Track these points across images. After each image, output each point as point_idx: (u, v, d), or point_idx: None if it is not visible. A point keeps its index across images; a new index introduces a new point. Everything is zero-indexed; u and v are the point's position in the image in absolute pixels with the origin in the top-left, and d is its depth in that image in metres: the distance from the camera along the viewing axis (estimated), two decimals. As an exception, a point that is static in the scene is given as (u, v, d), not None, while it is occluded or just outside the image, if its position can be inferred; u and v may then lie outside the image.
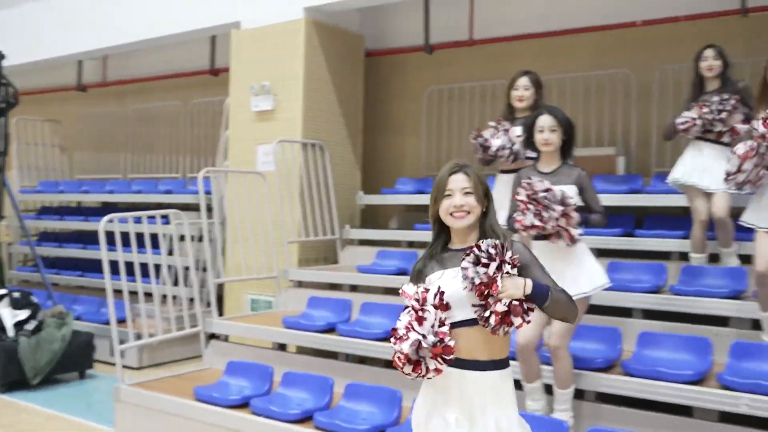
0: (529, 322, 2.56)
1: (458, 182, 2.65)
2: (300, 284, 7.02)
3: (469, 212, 2.64)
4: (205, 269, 7.52)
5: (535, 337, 4.14)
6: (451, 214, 2.65)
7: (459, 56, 8.36)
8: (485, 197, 2.69)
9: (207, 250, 6.48)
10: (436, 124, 8.56)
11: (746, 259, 5.22)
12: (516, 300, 2.53)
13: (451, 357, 2.53)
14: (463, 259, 2.56)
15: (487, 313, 2.53)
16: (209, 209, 7.62)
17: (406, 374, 2.59)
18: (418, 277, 2.71)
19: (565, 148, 4.18)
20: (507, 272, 2.54)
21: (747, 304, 4.77)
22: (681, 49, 6.88)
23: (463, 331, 2.58)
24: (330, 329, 5.68)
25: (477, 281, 2.52)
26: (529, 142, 4.27)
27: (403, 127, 8.82)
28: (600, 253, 5.56)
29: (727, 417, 4.06)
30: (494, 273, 2.52)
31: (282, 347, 5.96)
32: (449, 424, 2.58)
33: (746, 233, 4.78)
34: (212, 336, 6.34)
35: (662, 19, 7.11)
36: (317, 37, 7.72)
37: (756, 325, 4.65)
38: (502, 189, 5.06)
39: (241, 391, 5.12)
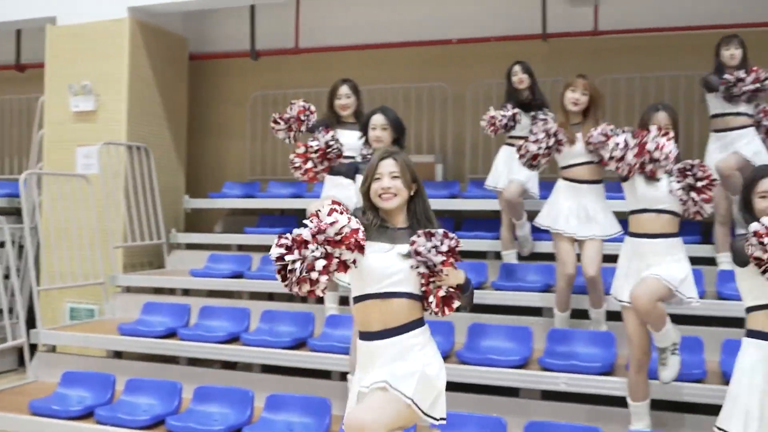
0: (457, 308, 2.88)
1: (387, 167, 2.92)
2: (128, 290, 6.85)
3: (396, 194, 2.91)
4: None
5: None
6: (379, 196, 2.91)
7: (284, 63, 8.54)
8: (413, 182, 2.95)
9: (30, 257, 6.15)
10: (261, 129, 8.68)
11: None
12: (452, 288, 2.87)
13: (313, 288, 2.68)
14: (414, 242, 2.82)
15: (430, 298, 2.86)
16: (18, 213, 7.20)
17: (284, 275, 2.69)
18: (365, 232, 2.82)
19: (396, 143, 4.43)
20: (451, 263, 2.83)
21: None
22: (491, 66, 7.60)
23: (395, 300, 2.85)
24: (170, 334, 5.65)
25: (426, 266, 2.81)
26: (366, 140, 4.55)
27: (228, 131, 8.84)
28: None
29: (548, 395, 4.64)
30: (442, 262, 2.81)
31: (118, 355, 5.82)
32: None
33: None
34: (33, 347, 6.04)
35: (475, 39, 7.78)
36: (141, 37, 7.56)
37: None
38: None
39: (82, 401, 4.97)
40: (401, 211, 2.96)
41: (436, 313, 2.89)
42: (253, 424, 4.53)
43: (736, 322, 4.95)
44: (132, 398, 4.93)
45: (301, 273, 2.64)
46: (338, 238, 2.70)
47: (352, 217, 2.77)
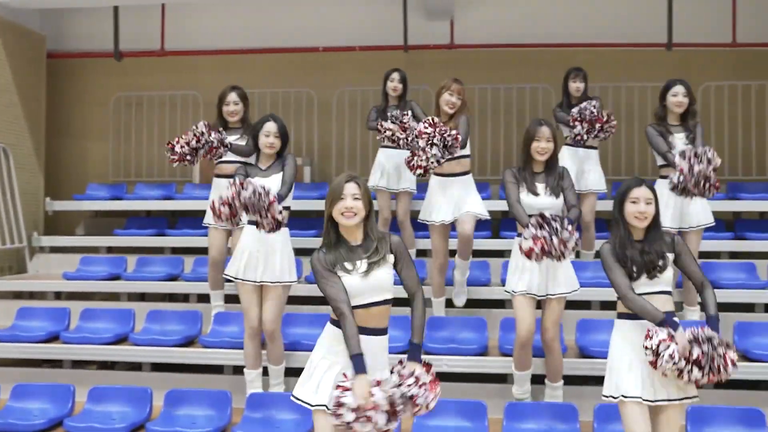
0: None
1: (351, 189, 3.25)
2: (-8, 296, 6.61)
3: (356, 214, 3.24)
4: None
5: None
6: (342, 214, 3.23)
7: (149, 65, 8.51)
8: (368, 204, 3.30)
9: None
10: (124, 130, 8.59)
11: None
12: None
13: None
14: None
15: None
16: None
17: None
18: (332, 265, 3.22)
19: (281, 150, 4.87)
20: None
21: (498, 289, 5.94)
22: (356, 74, 8.06)
23: (372, 309, 3.22)
24: (52, 338, 5.59)
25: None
26: (255, 144, 4.85)
27: (90, 132, 8.68)
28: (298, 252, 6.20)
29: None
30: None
31: (-8, 362, 5.66)
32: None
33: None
34: None
35: (341, 48, 8.18)
36: (-1, 34, 7.30)
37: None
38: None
39: (-34, 411, 4.84)
40: (359, 227, 3.30)
41: None
42: (155, 420, 4.64)
43: (587, 305, 5.77)
44: (21, 404, 4.86)
45: None
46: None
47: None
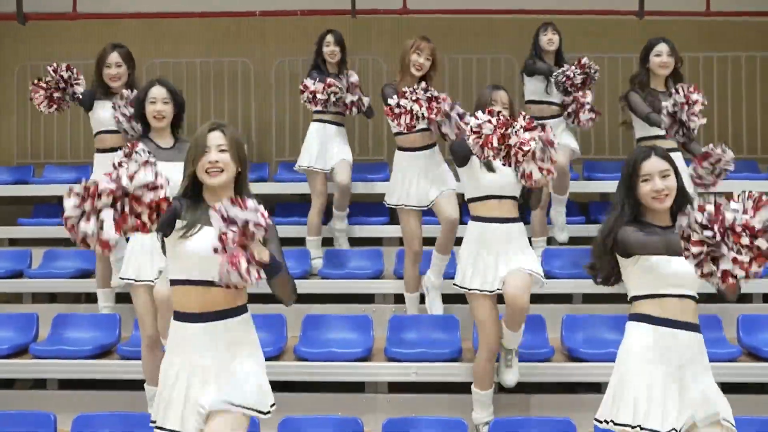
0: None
1: (215, 139, 2.70)
2: None
3: (223, 170, 2.67)
4: None
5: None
6: (206, 171, 2.67)
7: (59, 30, 7.48)
8: (240, 160, 2.71)
9: None
10: (31, 105, 7.49)
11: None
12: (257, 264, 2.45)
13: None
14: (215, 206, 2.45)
15: (233, 271, 2.41)
16: None
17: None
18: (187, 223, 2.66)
19: (176, 123, 4.08)
20: (256, 237, 2.44)
21: (389, 282, 5.22)
22: (298, 42, 7.20)
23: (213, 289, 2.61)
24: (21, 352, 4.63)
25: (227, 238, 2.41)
26: (140, 115, 4.06)
27: (-11, 106, 7.59)
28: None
29: (397, 387, 4.36)
30: (244, 223, 2.41)
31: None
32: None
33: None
34: None
35: (281, 12, 7.29)
36: None
37: (399, 298, 5.08)
38: None
39: None
40: (227, 190, 2.70)
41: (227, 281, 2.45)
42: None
43: (566, 298, 5.12)
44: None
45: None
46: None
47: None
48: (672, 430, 2.70)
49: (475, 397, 3.99)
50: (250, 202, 2.42)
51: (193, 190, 2.75)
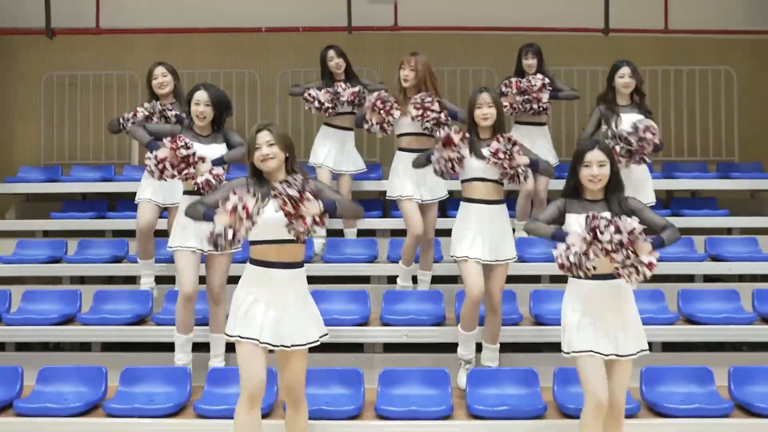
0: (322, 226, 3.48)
1: (263, 137, 3.60)
2: None
3: (273, 158, 3.58)
4: None
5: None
6: (262, 161, 3.58)
7: (83, 43, 8.25)
8: (286, 147, 3.63)
9: None
10: (57, 111, 8.28)
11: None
12: (317, 216, 3.44)
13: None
14: (275, 188, 3.46)
15: (295, 227, 3.43)
16: None
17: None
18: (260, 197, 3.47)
19: (218, 120, 4.79)
20: (308, 198, 3.43)
21: (383, 266, 6.00)
22: (300, 55, 8.00)
23: (279, 245, 3.55)
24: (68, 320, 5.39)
25: (286, 202, 3.40)
26: (187, 112, 4.79)
27: (19, 113, 8.33)
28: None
29: (390, 348, 5.15)
30: (298, 196, 3.41)
31: None
32: (258, 300, 3.58)
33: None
34: None
35: (284, 28, 8.11)
36: None
37: (392, 279, 5.85)
38: None
39: None
40: (281, 170, 3.64)
41: (303, 234, 3.45)
42: (111, 399, 4.51)
43: (536, 278, 5.91)
44: (-35, 388, 4.63)
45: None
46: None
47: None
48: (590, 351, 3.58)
49: (461, 338, 4.79)
50: (296, 183, 3.42)
51: (255, 173, 3.65)
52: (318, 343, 3.74)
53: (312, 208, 3.41)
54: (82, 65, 8.26)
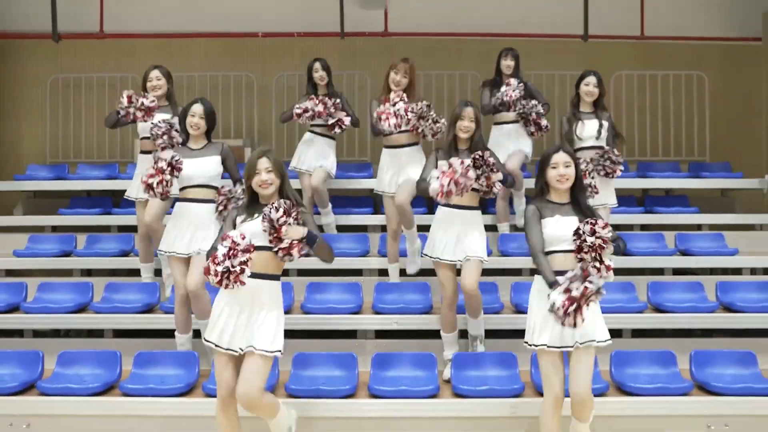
0: (303, 255, 3.87)
1: (263, 164, 3.94)
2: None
3: (271, 184, 3.94)
4: None
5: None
6: (260, 186, 3.94)
7: (87, 47, 8.60)
8: (281, 175, 3.98)
9: None
10: (62, 112, 8.65)
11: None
12: (296, 240, 3.80)
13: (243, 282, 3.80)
14: (263, 210, 3.88)
15: (275, 247, 3.86)
16: None
17: (215, 284, 3.80)
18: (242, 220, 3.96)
19: (209, 131, 5.13)
20: (290, 223, 3.80)
21: (374, 259, 6.41)
22: (295, 59, 8.39)
23: (260, 253, 3.87)
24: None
25: (272, 225, 3.80)
26: (182, 126, 5.13)
27: (25, 113, 8.69)
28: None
29: (381, 334, 5.57)
30: (281, 221, 3.78)
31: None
32: (229, 305, 3.92)
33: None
34: None
35: (280, 33, 8.52)
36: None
37: (382, 272, 6.27)
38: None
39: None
40: (275, 195, 3.99)
41: (282, 258, 3.86)
42: (127, 380, 4.91)
43: (518, 272, 6.34)
44: (-10, 371, 5.03)
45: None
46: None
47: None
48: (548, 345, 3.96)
49: (443, 339, 5.18)
50: (281, 208, 3.79)
51: (251, 195, 4.02)
52: (264, 353, 3.88)
53: (293, 232, 3.80)
54: (86, 68, 8.63)
